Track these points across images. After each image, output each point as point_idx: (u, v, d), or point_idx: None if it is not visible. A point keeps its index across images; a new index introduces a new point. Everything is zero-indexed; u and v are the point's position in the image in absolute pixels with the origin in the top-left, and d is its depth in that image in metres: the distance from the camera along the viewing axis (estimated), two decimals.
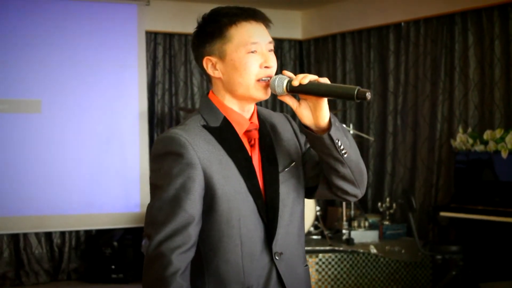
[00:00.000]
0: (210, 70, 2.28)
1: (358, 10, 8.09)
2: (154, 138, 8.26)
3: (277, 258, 2.28)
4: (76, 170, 7.60)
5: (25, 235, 7.67)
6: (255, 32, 2.24)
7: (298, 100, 2.26)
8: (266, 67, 2.24)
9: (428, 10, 7.27)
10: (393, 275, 6.89)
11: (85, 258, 7.88)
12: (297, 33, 8.91)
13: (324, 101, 2.20)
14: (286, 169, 2.35)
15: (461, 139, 6.59)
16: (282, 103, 8.60)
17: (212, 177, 2.19)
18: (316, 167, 2.38)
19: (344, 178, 2.31)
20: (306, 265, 2.43)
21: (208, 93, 2.36)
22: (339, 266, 6.68)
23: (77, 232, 7.89)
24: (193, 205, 2.16)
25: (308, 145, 2.43)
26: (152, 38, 8.28)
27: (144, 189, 7.84)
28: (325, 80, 2.19)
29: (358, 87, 2.12)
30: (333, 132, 2.21)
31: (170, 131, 2.22)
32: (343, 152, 2.24)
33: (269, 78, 2.25)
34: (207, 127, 2.26)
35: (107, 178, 7.72)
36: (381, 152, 7.91)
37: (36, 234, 7.72)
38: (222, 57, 2.24)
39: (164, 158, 2.19)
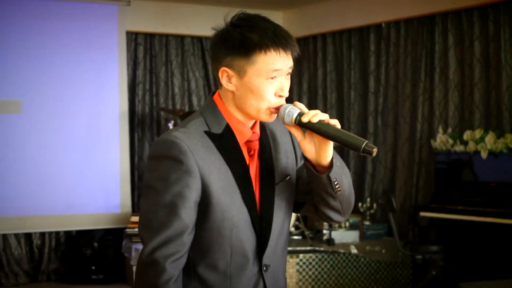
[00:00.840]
0: (224, 81, 2.23)
1: (339, 10, 8.11)
2: (134, 138, 8.24)
3: (265, 269, 2.28)
4: (56, 171, 7.56)
5: (5, 236, 7.62)
6: (281, 61, 2.18)
7: (305, 132, 2.24)
8: (280, 95, 2.21)
9: (408, 11, 7.29)
10: (373, 275, 6.91)
11: (65, 259, 7.84)
12: None
13: (330, 143, 2.19)
14: (281, 182, 2.34)
15: (441, 140, 6.62)
16: None
17: (210, 186, 2.17)
18: (308, 185, 2.36)
19: (332, 208, 2.32)
20: (285, 277, 2.44)
21: (214, 93, 2.32)
22: (319, 266, 6.68)
23: (57, 233, 7.85)
24: (189, 214, 2.14)
25: (303, 161, 2.37)
26: (133, 38, 8.25)
27: (125, 190, 7.83)
28: (334, 122, 2.17)
29: (366, 141, 2.10)
30: (332, 174, 2.21)
31: (172, 134, 2.18)
32: (337, 189, 2.24)
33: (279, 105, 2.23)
34: (208, 133, 2.23)
35: (87, 178, 7.69)
36: None
37: (16, 235, 7.67)
38: (240, 74, 2.19)
39: (163, 161, 2.16)
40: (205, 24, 8.43)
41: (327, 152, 2.20)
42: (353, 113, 7.97)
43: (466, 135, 6.40)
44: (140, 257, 2.15)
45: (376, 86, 7.72)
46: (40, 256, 7.78)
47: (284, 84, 2.21)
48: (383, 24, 7.65)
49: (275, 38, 2.18)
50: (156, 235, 2.12)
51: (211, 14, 8.40)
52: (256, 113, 2.22)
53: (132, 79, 8.26)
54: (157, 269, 2.10)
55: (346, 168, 2.30)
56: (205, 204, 2.18)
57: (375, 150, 2.10)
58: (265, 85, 2.18)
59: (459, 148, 6.43)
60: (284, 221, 2.35)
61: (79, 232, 7.86)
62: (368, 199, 7.42)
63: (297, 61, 8.31)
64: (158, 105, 8.31)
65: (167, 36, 8.41)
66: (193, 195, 2.15)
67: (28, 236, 7.75)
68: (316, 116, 2.17)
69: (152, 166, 2.19)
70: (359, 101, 7.94)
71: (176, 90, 8.42)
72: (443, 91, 7.00)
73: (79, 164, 7.66)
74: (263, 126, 2.37)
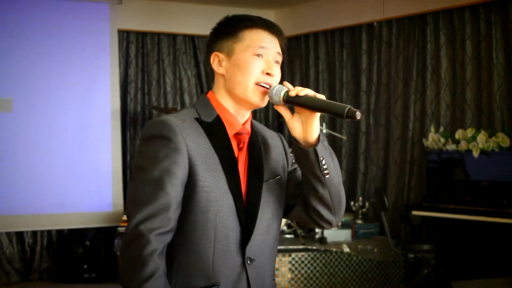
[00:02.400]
0: (215, 66, 2.33)
1: (331, 9, 8.11)
2: (126, 137, 8.23)
3: (248, 263, 2.29)
4: (48, 169, 7.55)
5: None
6: (267, 39, 2.31)
7: (293, 113, 2.29)
8: (268, 73, 2.29)
9: (400, 10, 7.30)
10: (365, 274, 6.92)
11: (57, 257, 7.82)
12: None
13: (316, 117, 2.24)
14: (271, 180, 2.38)
15: (433, 139, 6.63)
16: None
17: (197, 166, 2.21)
18: (298, 187, 2.41)
19: (321, 200, 2.33)
20: (274, 279, 2.45)
21: (207, 92, 2.39)
22: (312, 265, 6.69)
23: (49, 231, 7.84)
24: (175, 189, 2.17)
25: (294, 166, 2.46)
26: (125, 36, 8.24)
27: (116, 189, 7.82)
28: (321, 97, 2.23)
29: (349, 106, 2.16)
30: (319, 149, 2.24)
31: (163, 116, 2.25)
32: (325, 172, 2.27)
33: (268, 86, 2.29)
34: (199, 120, 2.29)
35: (79, 177, 7.67)
36: (354, 151, 7.94)
37: (7, 233, 7.66)
38: (229, 54, 2.30)
39: (153, 141, 2.20)
40: (197, 22, 8.43)
41: (313, 126, 2.25)
42: None
43: (458, 134, 6.42)
44: (125, 230, 2.16)
45: (368, 85, 7.73)
46: (32, 255, 7.76)
47: (272, 64, 2.30)
48: (375, 23, 7.65)
49: (261, 20, 2.32)
50: (142, 209, 2.14)
51: (203, 12, 8.40)
52: (244, 92, 2.29)
53: (124, 77, 8.25)
54: (142, 240, 2.11)
55: (334, 155, 2.35)
56: (192, 184, 2.21)
57: (358, 113, 2.15)
58: (252, 59, 2.28)
59: (451, 147, 6.45)
60: (272, 219, 2.37)
61: (71, 231, 7.85)
62: (360, 198, 7.43)
63: (289, 60, 8.29)
64: (150, 104, 8.30)
65: (159, 34, 8.40)
66: (180, 172, 2.18)
67: (20, 235, 7.73)
68: (303, 90, 2.24)
69: (143, 147, 2.24)
70: (351, 100, 7.95)
71: (168, 88, 8.42)
72: (435, 90, 7.02)
73: (71, 163, 7.65)
74: (255, 131, 2.42)
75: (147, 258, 2.10)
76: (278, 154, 2.46)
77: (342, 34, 8.06)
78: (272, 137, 2.49)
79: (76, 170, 7.66)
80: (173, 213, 2.17)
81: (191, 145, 2.21)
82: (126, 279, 2.12)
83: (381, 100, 7.58)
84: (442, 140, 6.53)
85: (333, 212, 2.37)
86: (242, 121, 2.35)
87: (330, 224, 2.41)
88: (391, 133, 7.45)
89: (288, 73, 8.74)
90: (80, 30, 7.72)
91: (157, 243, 2.12)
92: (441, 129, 6.73)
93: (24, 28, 7.49)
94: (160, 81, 8.40)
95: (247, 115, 2.37)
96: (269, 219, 2.36)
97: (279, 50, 2.33)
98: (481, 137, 6.20)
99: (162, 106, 8.30)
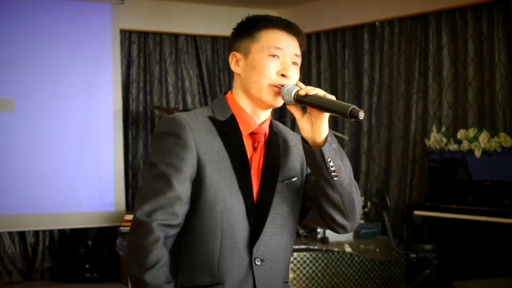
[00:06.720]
0: (233, 65, 2.34)
1: (333, 9, 8.11)
2: (128, 137, 8.23)
3: (256, 263, 2.27)
4: (50, 169, 7.55)
5: None
6: (284, 39, 2.29)
7: (304, 113, 2.27)
8: (283, 75, 2.27)
9: (402, 9, 7.30)
10: (367, 273, 6.92)
11: (59, 257, 7.83)
12: None
13: (324, 117, 2.21)
14: (286, 181, 2.36)
15: (435, 138, 6.63)
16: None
17: (205, 165, 2.22)
18: (314, 190, 2.37)
19: (333, 203, 2.29)
20: (286, 282, 2.41)
21: (226, 92, 2.41)
22: (314, 265, 6.69)
23: (51, 231, 7.83)
24: (182, 185, 2.18)
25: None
26: (127, 36, 8.24)
27: (118, 188, 7.82)
28: (331, 97, 2.20)
29: (353, 106, 2.12)
30: (325, 149, 2.20)
31: (175, 114, 2.27)
32: (333, 174, 2.23)
33: (281, 86, 2.27)
34: (212, 119, 2.30)
35: (81, 177, 7.67)
36: (356, 151, 7.93)
37: (10, 233, 7.65)
38: (246, 54, 2.31)
39: (163, 138, 2.23)
40: (199, 22, 8.43)
41: (321, 127, 2.21)
42: None
43: (460, 134, 6.41)
44: (133, 219, 2.18)
45: (370, 84, 7.73)
46: (34, 254, 7.76)
47: (287, 65, 2.28)
48: (377, 23, 7.65)
49: (279, 20, 2.31)
50: (149, 202, 2.15)
51: (205, 12, 8.40)
52: (258, 92, 2.28)
53: (126, 77, 8.25)
54: (145, 229, 2.11)
55: (346, 158, 2.32)
56: (199, 182, 2.22)
57: (361, 113, 2.11)
58: (267, 60, 2.27)
59: (453, 146, 6.44)
60: (286, 220, 2.35)
61: (73, 231, 7.85)
62: (362, 198, 7.43)
63: None
64: (152, 104, 8.30)
65: (161, 34, 8.40)
66: (187, 169, 2.19)
67: (22, 234, 7.73)
68: (313, 89, 2.21)
69: (154, 145, 2.27)
70: (353, 99, 7.94)
71: (170, 88, 8.41)
72: (437, 90, 7.02)
73: (73, 163, 7.65)
74: (276, 132, 2.41)
75: (151, 246, 2.10)
76: (298, 157, 2.43)
77: (344, 34, 8.06)
78: (294, 140, 2.46)
79: (78, 170, 7.66)
80: (180, 209, 2.17)
81: (200, 142, 2.22)
82: (132, 266, 2.12)
83: (383, 100, 7.58)
84: (444, 140, 6.53)
85: (346, 216, 2.33)
86: (259, 121, 2.35)
87: (344, 229, 2.37)
88: (393, 133, 7.44)
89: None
90: (82, 30, 7.72)
91: (160, 232, 2.12)
92: (443, 128, 6.72)
93: (26, 28, 7.49)
94: (162, 81, 8.40)
95: (264, 115, 2.36)
96: (282, 220, 2.34)
97: (298, 51, 2.32)
98: (483, 137, 6.19)
99: (164, 106, 8.30)
